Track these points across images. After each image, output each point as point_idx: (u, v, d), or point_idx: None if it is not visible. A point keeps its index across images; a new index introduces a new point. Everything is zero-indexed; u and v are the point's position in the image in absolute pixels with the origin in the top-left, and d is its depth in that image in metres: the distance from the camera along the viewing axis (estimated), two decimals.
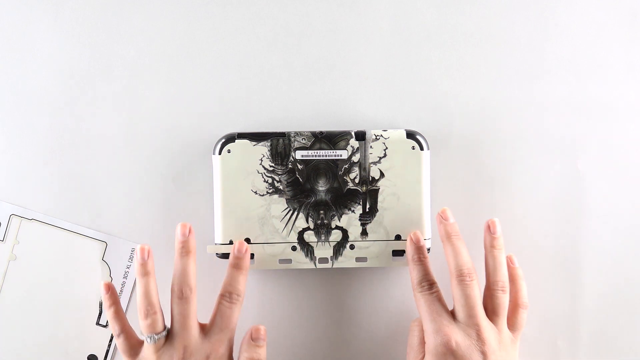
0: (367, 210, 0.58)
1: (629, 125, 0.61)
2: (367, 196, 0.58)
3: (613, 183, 0.61)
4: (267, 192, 0.58)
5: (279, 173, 0.58)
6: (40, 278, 0.61)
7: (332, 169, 0.58)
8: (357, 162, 0.58)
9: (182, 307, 0.54)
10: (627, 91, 0.61)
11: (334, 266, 0.59)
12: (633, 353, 0.62)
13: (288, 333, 0.61)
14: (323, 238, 0.58)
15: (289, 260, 0.59)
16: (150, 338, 0.54)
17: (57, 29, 0.60)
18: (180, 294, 0.54)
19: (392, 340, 0.61)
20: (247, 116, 0.61)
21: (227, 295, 0.55)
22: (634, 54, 0.61)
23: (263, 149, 0.58)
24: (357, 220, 0.58)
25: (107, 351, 0.61)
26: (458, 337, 0.53)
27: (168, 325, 0.55)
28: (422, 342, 0.55)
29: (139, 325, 0.54)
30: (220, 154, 0.58)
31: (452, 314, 0.54)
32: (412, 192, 0.58)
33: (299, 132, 0.58)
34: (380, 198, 0.58)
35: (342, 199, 0.58)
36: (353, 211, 0.58)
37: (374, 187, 0.58)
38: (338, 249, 0.59)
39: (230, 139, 0.58)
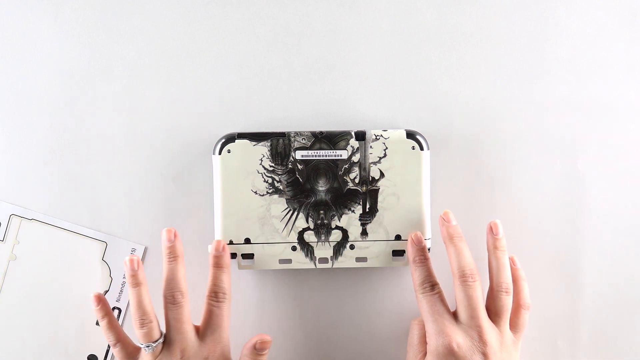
0: (367, 210, 0.58)
1: (629, 125, 0.61)
2: (367, 196, 0.58)
3: (613, 183, 0.61)
4: (267, 192, 0.58)
5: (279, 173, 0.58)
6: (40, 278, 0.61)
7: (332, 169, 0.58)
8: (357, 162, 0.58)
9: (176, 312, 0.54)
10: (627, 91, 0.61)
11: (334, 266, 0.59)
12: (633, 353, 0.62)
13: (288, 333, 0.61)
14: (323, 238, 0.58)
15: (289, 260, 0.59)
16: (147, 347, 0.54)
17: (57, 29, 0.60)
18: (173, 300, 0.54)
19: (392, 340, 0.61)
20: (247, 116, 0.61)
21: (213, 295, 0.55)
22: (634, 54, 0.61)
23: (263, 149, 0.58)
24: (357, 220, 0.58)
25: (107, 351, 0.61)
26: (459, 338, 0.53)
27: (164, 330, 0.55)
28: (422, 341, 0.55)
29: (135, 335, 0.55)
30: (220, 154, 0.57)
31: (454, 315, 0.54)
32: (412, 192, 0.58)
33: (299, 132, 0.58)
34: (380, 198, 0.58)
35: (342, 199, 0.58)
36: (353, 211, 0.58)
37: (374, 187, 0.58)
38: (338, 249, 0.59)
39: (230, 139, 0.58)
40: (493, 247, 0.57)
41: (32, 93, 0.60)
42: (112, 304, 0.61)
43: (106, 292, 0.61)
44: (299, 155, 0.58)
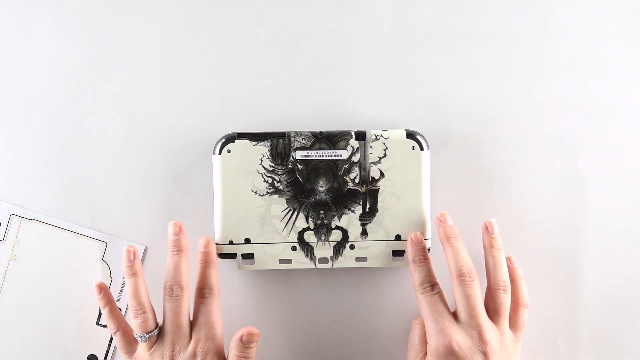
0: (367, 210, 0.58)
1: (629, 125, 0.61)
2: (367, 196, 0.58)
3: (613, 183, 0.61)
4: (267, 192, 0.58)
5: (279, 173, 0.58)
6: (40, 278, 0.61)
7: (332, 169, 0.58)
8: (357, 162, 0.58)
9: (173, 304, 0.55)
10: (627, 91, 0.61)
11: (334, 266, 0.59)
12: (633, 353, 0.62)
13: (288, 333, 0.61)
14: (323, 238, 0.58)
15: (289, 260, 0.59)
16: (141, 337, 0.54)
17: (57, 29, 0.60)
18: (171, 292, 0.55)
19: (392, 340, 0.61)
20: (247, 116, 0.61)
21: (199, 292, 0.56)
22: (634, 54, 0.61)
23: (263, 149, 0.58)
24: (357, 220, 0.58)
25: (107, 351, 0.61)
26: (460, 337, 0.53)
27: (160, 322, 0.56)
28: (423, 341, 0.55)
29: (131, 325, 0.55)
30: (220, 154, 0.57)
31: (454, 315, 0.54)
32: (412, 192, 0.58)
33: (299, 132, 0.58)
34: (380, 198, 0.58)
35: (342, 199, 0.58)
36: (353, 211, 0.58)
37: (374, 187, 0.58)
38: (338, 249, 0.59)
39: (230, 139, 0.58)
40: (489, 246, 0.57)
41: (32, 93, 0.60)
42: None
43: None
44: (299, 155, 0.58)
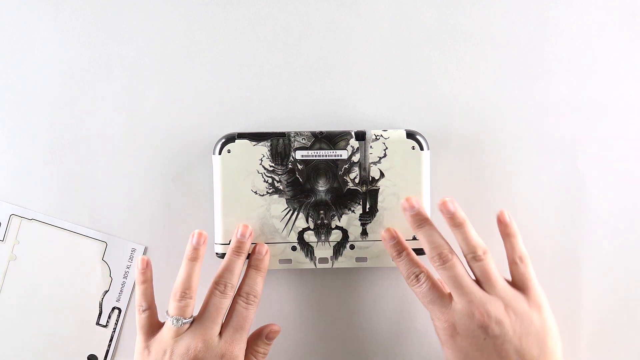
0: (367, 210, 0.58)
1: (629, 125, 0.61)
2: (367, 196, 0.58)
3: (613, 183, 0.61)
4: (267, 192, 0.58)
5: (279, 173, 0.58)
6: (40, 278, 0.61)
7: (332, 169, 0.58)
8: (357, 162, 0.58)
9: (220, 301, 0.54)
10: (627, 91, 0.61)
11: (334, 266, 0.59)
12: (633, 353, 0.62)
13: (288, 333, 0.61)
14: (323, 238, 0.58)
15: (289, 260, 0.59)
16: (177, 320, 0.54)
17: (57, 29, 0.60)
18: (224, 289, 0.55)
19: (392, 340, 0.61)
20: (247, 116, 0.61)
21: (244, 296, 0.55)
22: (634, 54, 0.61)
23: (263, 149, 0.58)
24: (357, 220, 0.58)
25: (107, 351, 0.61)
26: (457, 319, 0.52)
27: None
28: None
29: (168, 306, 0.54)
30: (220, 154, 0.58)
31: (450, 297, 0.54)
32: (412, 192, 0.58)
33: (299, 132, 0.58)
34: (380, 198, 0.58)
35: (342, 199, 0.58)
36: (353, 211, 0.58)
37: (374, 187, 0.58)
38: (338, 249, 0.59)
39: (230, 139, 0.58)
40: (505, 235, 0.56)
41: (32, 93, 0.60)
42: (112, 304, 0.61)
43: (106, 292, 0.61)
44: (299, 155, 0.58)
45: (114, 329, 0.61)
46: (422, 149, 0.58)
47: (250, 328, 0.56)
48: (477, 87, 0.61)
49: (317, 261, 0.59)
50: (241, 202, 0.58)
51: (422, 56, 0.61)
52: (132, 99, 0.60)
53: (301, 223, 0.58)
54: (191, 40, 0.60)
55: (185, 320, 0.54)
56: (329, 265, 0.59)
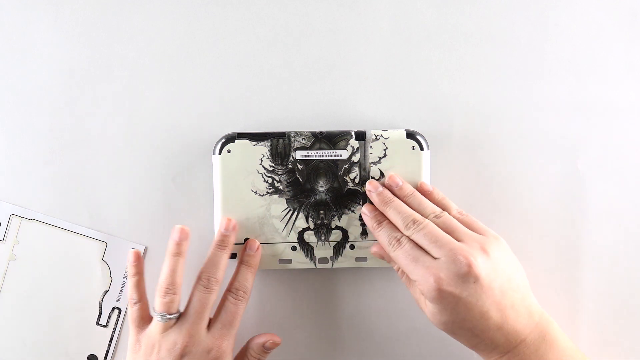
0: (366, 203, 0.58)
1: (629, 125, 0.61)
2: (367, 196, 0.58)
3: (613, 183, 0.61)
4: (267, 192, 0.58)
5: (279, 173, 0.58)
6: (40, 278, 0.61)
7: (332, 169, 0.58)
8: (357, 162, 0.58)
9: (204, 295, 0.55)
10: (627, 91, 0.61)
11: (334, 266, 0.59)
12: (633, 353, 0.62)
13: (288, 333, 0.61)
14: (323, 238, 0.58)
15: (289, 260, 0.59)
16: (161, 316, 0.54)
17: (57, 29, 0.60)
18: (207, 283, 0.55)
19: (392, 340, 0.61)
20: (247, 116, 0.61)
21: (234, 292, 0.56)
22: (634, 54, 0.61)
23: (263, 149, 0.58)
24: (357, 220, 0.58)
25: (107, 351, 0.61)
26: (442, 269, 0.51)
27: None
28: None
29: (154, 303, 0.55)
30: (220, 154, 0.58)
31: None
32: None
33: (299, 132, 0.58)
34: None
35: (342, 199, 0.58)
36: (353, 211, 0.58)
37: None
38: (338, 249, 0.59)
39: (230, 139, 0.58)
40: (403, 197, 0.56)
41: (32, 93, 0.60)
42: (111, 304, 0.61)
43: (106, 292, 0.61)
44: (299, 155, 0.58)
45: (114, 329, 0.61)
46: (422, 149, 0.58)
47: (255, 330, 0.57)
48: (477, 87, 0.61)
49: (317, 261, 0.59)
50: (241, 202, 0.58)
51: (422, 56, 0.61)
52: (132, 99, 0.60)
53: (301, 223, 0.58)
54: (191, 40, 0.60)
55: (170, 316, 0.54)
56: (329, 265, 0.59)
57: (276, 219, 0.58)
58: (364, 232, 0.58)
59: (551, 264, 0.61)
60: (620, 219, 0.62)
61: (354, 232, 0.58)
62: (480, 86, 0.61)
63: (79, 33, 0.60)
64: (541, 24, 0.61)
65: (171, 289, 0.54)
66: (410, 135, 0.58)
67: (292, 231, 0.58)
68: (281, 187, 0.58)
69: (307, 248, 0.58)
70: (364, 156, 0.58)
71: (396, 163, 0.58)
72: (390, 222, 0.55)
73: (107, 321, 0.61)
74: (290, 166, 0.58)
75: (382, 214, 0.56)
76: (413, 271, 0.52)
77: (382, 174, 0.58)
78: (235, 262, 0.58)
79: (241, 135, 0.58)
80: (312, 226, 0.58)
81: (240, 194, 0.58)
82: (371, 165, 0.58)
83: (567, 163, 0.61)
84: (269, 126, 0.60)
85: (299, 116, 0.61)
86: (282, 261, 0.58)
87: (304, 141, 0.58)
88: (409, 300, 0.61)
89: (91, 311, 0.61)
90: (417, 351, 0.62)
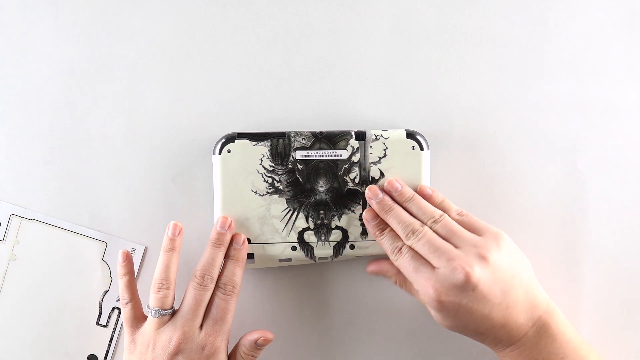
0: (367, 208, 0.58)
1: (629, 125, 0.61)
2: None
3: (613, 183, 0.61)
4: (267, 192, 0.58)
5: (279, 173, 0.58)
6: (40, 278, 0.61)
7: (332, 169, 0.58)
8: (357, 162, 0.58)
9: (199, 292, 0.55)
10: (627, 91, 0.61)
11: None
12: (633, 353, 0.62)
13: (288, 333, 0.61)
14: (323, 238, 0.58)
15: (289, 260, 0.59)
16: (155, 312, 0.54)
17: (57, 29, 0.60)
18: (202, 280, 0.55)
19: (392, 340, 0.61)
20: (247, 116, 0.61)
21: (222, 287, 0.56)
22: (634, 54, 0.61)
23: (263, 149, 0.58)
24: (357, 220, 0.58)
25: (107, 351, 0.61)
26: (441, 280, 0.51)
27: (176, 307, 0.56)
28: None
29: (149, 298, 0.55)
30: (220, 154, 0.58)
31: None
32: None
33: (299, 132, 0.58)
34: None
35: (342, 199, 0.58)
36: (353, 211, 0.58)
37: None
38: (338, 249, 0.59)
39: (230, 139, 0.58)
40: (404, 202, 0.56)
41: (32, 93, 0.60)
42: (111, 304, 0.61)
43: (106, 292, 0.61)
44: (299, 155, 0.58)
45: (114, 329, 0.61)
46: (422, 149, 0.58)
47: (250, 327, 0.57)
48: (477, 87, 0.61)
49: (317, 261, 0.59)
50: (241, 202, 0.58)
51: (422, 56, 0.61)
52: (132, 99, 0.60)
53: (301, 223, 0.58)
54: (191, 40, 0.60)
55: (164, 312, 0.54)
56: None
57: (276, 219, 0.58)
58: (364, 232, 0.58)
59: (551, 264, 0.61)
60: (620, 219, 0.62)
61: (354, 232, 0.58)
62: (480, 86, 0.61)
63: (79, 33, 0.60)
64: (541, 24, 0.61)
65: (165, 284, 0.55)
66: (410, 135, 0.58)
67: (292, 231, 0.58)
68: (281, 187, 0.58)
69: (307, 248, 0.58)
70: (364, 156, 0.58)
71: (396, 163, 0.58)
72: (392, 230, 0.56)
73: (107, 321, 0.61)
74: (290, 166, 0.58)
75: (383, 220, 0.56)
76: (414, 281, 0.53)
77: (382, 174, 0.58)
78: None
79: (241, 135, 0.58)
80: (312, 226, 0.58)
81: (240, 194, 0.58)
82: (371, 165, 0.58)
83: (567, 163, 0.61)
84: (269, 126, 0.60)
85: (299, 116, 0.61)
86: (282, 261, 0.58)
87: (304, 141, 0.58)
88: (409, 300, 0.61)
89: (91, 311, 0.61)
90: (417, 351, 0.62)
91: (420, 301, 0.57)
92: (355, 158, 0.58)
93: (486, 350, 0.57)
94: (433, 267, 0.52)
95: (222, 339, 0.55)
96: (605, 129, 0.61)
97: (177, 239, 0.56)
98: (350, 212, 0.58)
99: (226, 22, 0.60)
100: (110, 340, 0.61)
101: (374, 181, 0.58)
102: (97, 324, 0.61)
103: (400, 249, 0.54)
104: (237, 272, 0.56)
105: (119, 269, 0.57)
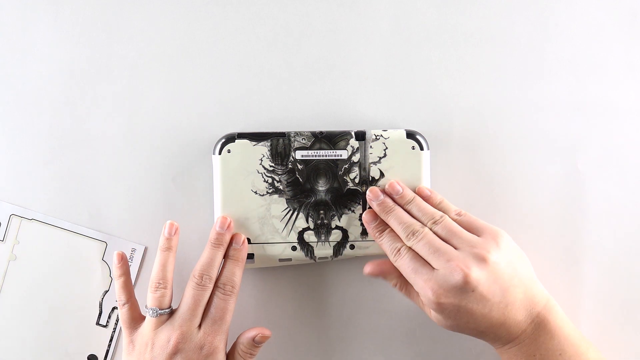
0: (367, 210, 0.58)
1: (629, 125, 0.61)
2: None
3: (613, 183, 0.61)
4: (267, 192, 0.58)
5: (279, 173, 0.58)
6: (40, 278, 0.61)
7: (332, 169, 0.58)
8: (357, 162, 0.58)
9: (197, 292, 0.55)
10: (627, 91, 0.61)
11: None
12: (633, 353, 0.62)
13: (288, 333, 0.61)
14: (323, 238, 0.58)
15: (289, 260, 0.59)
16: (153, 311, 0.54)
17: (57, 29, 0.60)
18: (200, 280, 0.55)
19: (393, 340, 0.61)
20: (247, 116, 0.61)
21: (222, 287, 0.56)
22: (634, 54, 0.61)
23: (263, 149, 0.58)
24: (357, 220, 0.58)
25: (107, 351, 0.61)
26: (440, 282, 0.51)
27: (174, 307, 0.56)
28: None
29: (146, 298, 0.55)
30: (220, 154, 0.58)
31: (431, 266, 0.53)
32: None
33: (299, 132, 0.58)
34: None
35: (342, 199, 0.58)
36: (353, 211, 0.58)
37: None
38: (338, 248, 0.59)
39: (230, 139, 0.58)
40: (405, 203, 0.57)
41: (32, 93, 0.60)
42: (111, 304, 0.61)
43: (106, 292, 0.61)
44: (299, 155, 0.58)
45: (114, 329, 0.61)
46: (422, 149, 0.58)
47: (250, 327, 0.56)
48: (477, 87, 0.61)
49: (317, 261, 0.59)
50: (241, 202, 0.58)
51: (422, 56, 0.61)
52: (132, 99, 0.60)
53: (301, 223, 0.58)
54: (191, 40, 0.60)
55: (161, 311, 0.54)
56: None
57: (276, 219, 0.58)
58: (364, 232, 0.58)
59: (551, 263, 0.61)
60: (620, 219, 0.62)
61: (354, 232, 0.58)
62: (480, 86, 0.61)
63: (79, 33, 0.60)
64: (541, 24, 0.61)
65: (162, 283, 0.55)
66: (410, 135, 0.58)
67: (292, 231, 0.58)
68: (281, 187, 0.58)
69: (307, 248, 0.58)
70: (364, 156, 0.58)
71: (396, 163, 0.58)
72: (392, 231, 0.56)
73: (107, 321, 0.61)
74: (290, 166, 0.58)
75: (383, 222, 0.56)
76: (414, 282, 0.53)
77: (382, 174, 0.58)
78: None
79: (241, 135, 0.58)
80: (312, 226, 0.58)
81: (240, 194, 0.58)
82: (371, 165, 0.58)
83: (567, 163, 0.61)
84: (269, 126, 0.60)
85: (299, 116, 0.61)
86: (282, 261, 0.59)
87: (304, 141, 0.58)
88: (409, 300, 0.61)
89: (91, 311, 0.61)
90: (417, 351, 0.62)
91: (420, 306, 0.57)
92: (355, 158, 0.58)
93: (486, 350, 0.57)
94: (432, 269, 0.52)
95: (220, 338, 0.55)
96: (605, 129, 0.61)
97: (174, 238, 0.56)
98: (350, 212, 0.58)
99: (226, 22, 0.60)
100: (110, 340, 0.61)
101: (374, 181, 0.58)
102: (97, 324, 0.61)
103: (400, 249, 0.54)
104: (237, 272, 0.56)
105: (114, 271, 0.57)
